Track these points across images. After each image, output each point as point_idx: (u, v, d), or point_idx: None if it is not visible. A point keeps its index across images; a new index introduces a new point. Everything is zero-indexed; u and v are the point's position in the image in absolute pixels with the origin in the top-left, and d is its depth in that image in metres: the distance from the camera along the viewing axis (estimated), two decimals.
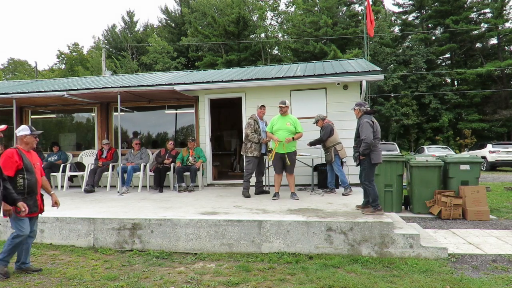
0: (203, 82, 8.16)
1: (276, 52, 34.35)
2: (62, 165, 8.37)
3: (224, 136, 12.87)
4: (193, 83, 8.19)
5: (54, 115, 9.65)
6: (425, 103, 27.81)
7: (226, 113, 11.42)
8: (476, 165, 6.87)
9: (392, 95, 28.10)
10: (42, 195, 3.98)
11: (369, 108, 5.26)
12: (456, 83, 30.13)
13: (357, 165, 5.21)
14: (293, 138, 6.17)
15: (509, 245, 4.85)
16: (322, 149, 7.15)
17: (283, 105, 6.29)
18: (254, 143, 6.60)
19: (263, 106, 6.89)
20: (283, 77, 7.91)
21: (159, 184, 7.63)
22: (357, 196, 6.42)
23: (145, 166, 8.02)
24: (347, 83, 7.83)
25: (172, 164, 7.83)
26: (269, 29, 33.12)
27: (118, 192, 7.24)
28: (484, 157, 16.07)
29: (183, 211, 5.31)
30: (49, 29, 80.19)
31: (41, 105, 9.25)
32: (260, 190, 6.94)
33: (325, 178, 7.29)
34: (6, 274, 3.76)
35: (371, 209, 4.91)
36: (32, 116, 9.57)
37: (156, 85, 8.37)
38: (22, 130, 3.92)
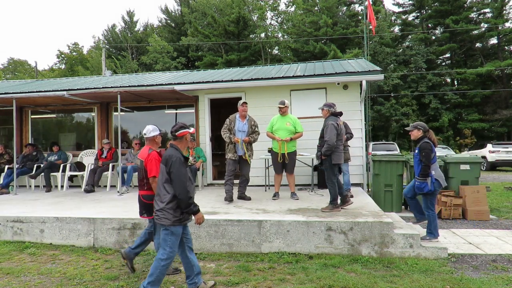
0: (203, 82, 8.16)
1: (276, 52, 34.36)
2: (62, 165, 8.38)
3: None
4: (193, 83, 8.19)
5: (54, 115, 9.65)
6: (425, 103, 27.81)
7: (226, 113, 11.36)
8: (476, 165, 6.87)
9: (392, 95, 28.10)
10: None
11: (337, 110, 5.38)
12: (456, 83, 30.14)
13: (318, 164, 5.39)
14: (291, 138, 6.14)
15: (509, 245, 4.85)
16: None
17: (282, 106, 6.25)
18: (230, 144, 6.10)
19: (244, 103, 6.20)
20: (283, 77, 7.90)
21: None
22: (357, 196, 6.43)
23: None
24: (347, 83, 7.83)
25: None
26: (269, 29, 33.12)
27: (118, 192, 7.24)
28: (484, 157, 16.07)
29: None
30: (49, 29, 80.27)
31: (41, 105, 9.25)
32: (241, 195, 6.23)
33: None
34: None
35: (330, 206, 5.10)
36: (32, 116, 9.58)
37: (156, 85, 8.37)
38: (153, 131, 3.81)
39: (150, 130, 3.80)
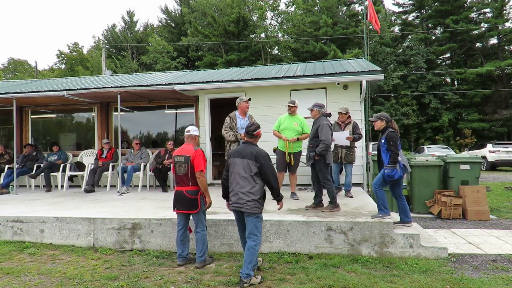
0: (203, 82, 8.16)
1: (276, 52, 34.38)
2: (62, 165, 8.38)
3: None
4: (193, 83, 8.19)
5: (54, 115, 9.64)
6: (425, 103, 27.83)
7: (226, 113, 11.34)
8: (476, 165, 6.87)
9: (392, 95, 28.12)
10: None
11: (326, 111, 5.43)
12: (456, 83, 30.15)
13: (310, 165, 5.38)
14: (297, 139, 6.10)
15: (509, 245, 4.85)
16: (344, 147, 6.51)
17: (292, 105, 6.17)
18: (232, 143, 6.00)
19: (249, 99, 6.30)
20: (283, 77, 7.90)
21: (164, 183, 7.64)
22: (357, 196, 6.43)
23: (145, 166, 8.02)
24: (347, 83, 7.82)
25: (172, 164, 7.81)
26: (269, 29, 33.15)
27: (118, 192, 7.24)
28: (484, 157, 16.07)
29: None
30: (49, 29, 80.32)
31: (41, 105, 9.25)
32: None
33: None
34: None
35: (330, 206, 5.10)
36: (32, 116, 9.57)
37: (156, 85, 8.37)
38: (195, 131, 4.31)
39: (194, 129, 4.30)
